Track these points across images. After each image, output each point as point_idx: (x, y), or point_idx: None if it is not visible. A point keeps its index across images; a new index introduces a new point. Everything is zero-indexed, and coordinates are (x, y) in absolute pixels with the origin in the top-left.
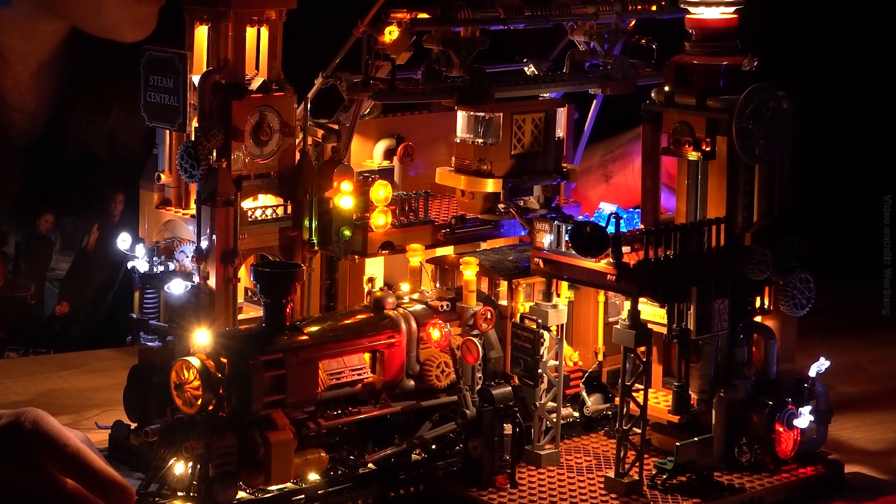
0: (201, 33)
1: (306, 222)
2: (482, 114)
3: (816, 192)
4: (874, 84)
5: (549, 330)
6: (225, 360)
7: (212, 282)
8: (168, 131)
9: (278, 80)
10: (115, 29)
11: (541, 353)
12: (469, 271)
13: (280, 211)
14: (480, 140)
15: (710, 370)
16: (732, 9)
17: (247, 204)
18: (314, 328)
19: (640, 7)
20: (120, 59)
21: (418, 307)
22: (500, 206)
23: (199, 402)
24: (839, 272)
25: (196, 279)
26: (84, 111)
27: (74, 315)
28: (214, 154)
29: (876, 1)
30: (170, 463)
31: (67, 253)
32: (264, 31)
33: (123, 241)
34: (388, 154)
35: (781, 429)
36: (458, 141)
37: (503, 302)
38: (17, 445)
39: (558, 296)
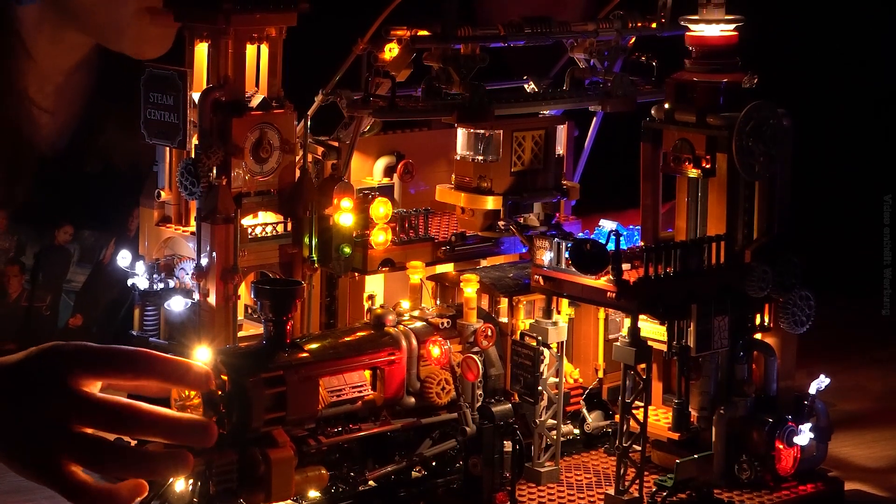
0: (201, 50)
1: (306, 239)
2: (482, 131)
3: (817, 199)
4: (874, 87)
5: (549, 347)
6: (225, 378)
7: (212, 299)
8: (168, 148)
9: (278, 98)
10: (133, 46)
11: (541, 370)
12: (469, 288)
13: (280, 228)
14: (480, 157)
15: (710, 387)
16: (732, 26)
17: (247, 221)
18: (314, 345)
19: (640, 24)
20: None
21: (419, 324)
22: (501, 223)
23: None
24: (839, 284)
25: (196, 296)
26: (112, 125)
27: (87, 328)
28: (214, 171)
29: (873, 12)
30: (170, 480)
31: (85, 265)
32: (264, 49)
33: (123, 258)
34: (388, 171)
35: (781, 446)
36: (458, 158)
37: (503, 319)
38: (51, 367)
39: (558, 313)
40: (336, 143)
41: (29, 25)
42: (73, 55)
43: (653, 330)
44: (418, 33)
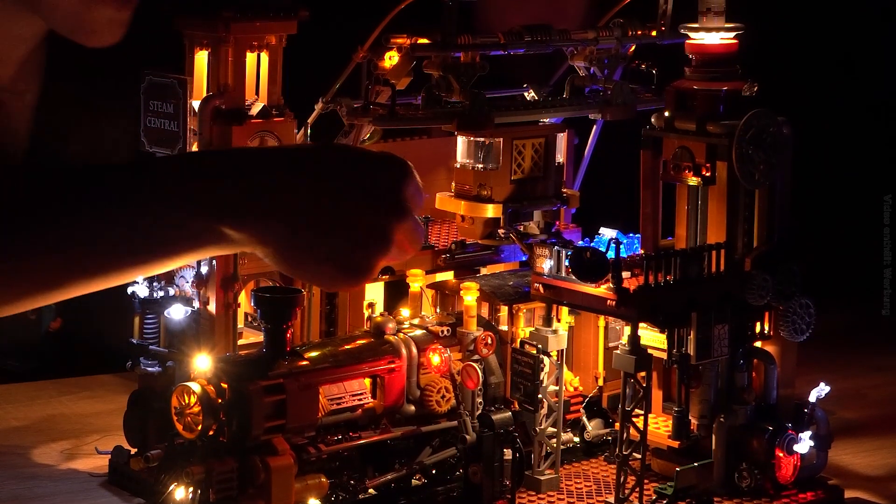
0: (201, 58)
1: None
2: (482, 139)
3: (817, 202)
4: (873, 93)
5: (549, 355)
6: (225, 386)
7: (212, 307)
8: None
9: (278, 106)
10: (80, 33)
11: (541, 378)
12: (469, 296)
13: None
14: (480, 165)
15: (710, 395)
16: (732, 34)
17: None
18: (314, 353)
19: (640, 32)
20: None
21: (419, 332)
22: (501, 231)
23: (200, 427)
24: (839, 287)
25: (196, 304)
26: (66, 104)
27: (66, 331)
28: None
29: (873, 20)
30: (171, 488)
31: None
32: (264, 57)
33: None
34: None
35: (781, 454)
36: (458, 166)
37: (503, 327)
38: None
39: (558, 321)
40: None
41: None
42: (30, 41)
43: (653, 338)
44: (418, 41)
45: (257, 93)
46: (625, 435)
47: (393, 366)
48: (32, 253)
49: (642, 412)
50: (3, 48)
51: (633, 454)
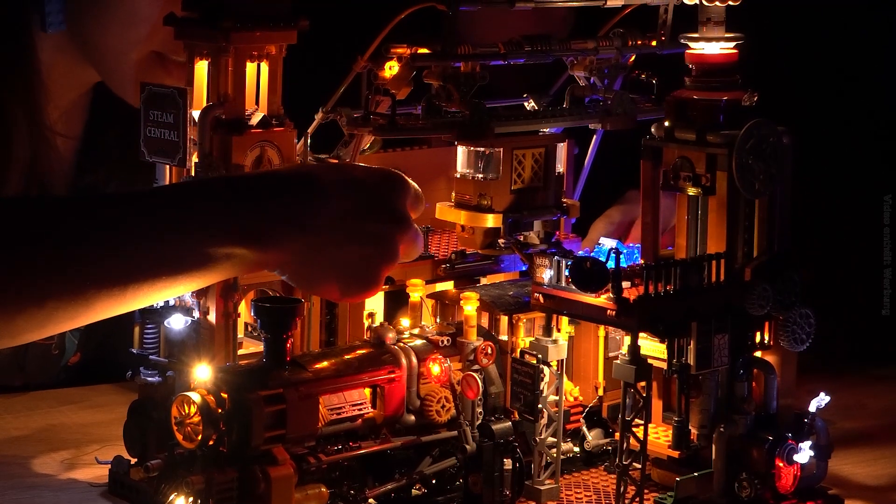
0: (201, 68)
1: None
2: (482, 149)
3: (817, 208)
4: (874, 99)
5: (549, 365)
6: (225, 396)
7: (212, 317)
8: (168, 166)
9: (278, 115)
10: (135, 97)
11: (541, 388)
12: (469, 306)
13: None
14: (480, 175)
15: (711, 405)
16: (732, 44)
17: None
18: (314, 363)
19: (640, 42)
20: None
21: (419, 342)
22: (501, 241)
23: (200, 437)
24: (839, 291)
25: (196, 314)
26: (111, 141)
27: (85, 364)
28: None
29: (874, 28)
30: (171, 498)
31: None
32: (264, 67)
33: None
34: None
35: (781, 464)
36: (458, 176)
37: (503, 337)
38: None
39: (558, 331)
40: (336, 161)
41: (48, 54)
42: (83, 87)
43: (653, 348)
44: (418, 51)
45: (257, 102)
46: (625, 445)
47: (393, 376)
48: (56, 267)
49: (642, 422)
50: (58, 93)
51: (634, 464)
